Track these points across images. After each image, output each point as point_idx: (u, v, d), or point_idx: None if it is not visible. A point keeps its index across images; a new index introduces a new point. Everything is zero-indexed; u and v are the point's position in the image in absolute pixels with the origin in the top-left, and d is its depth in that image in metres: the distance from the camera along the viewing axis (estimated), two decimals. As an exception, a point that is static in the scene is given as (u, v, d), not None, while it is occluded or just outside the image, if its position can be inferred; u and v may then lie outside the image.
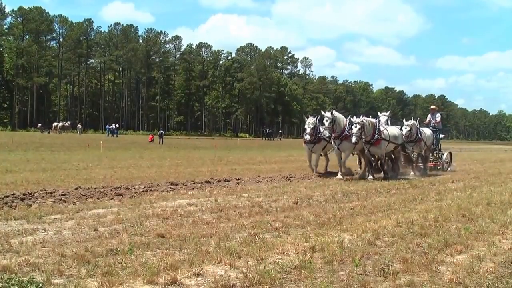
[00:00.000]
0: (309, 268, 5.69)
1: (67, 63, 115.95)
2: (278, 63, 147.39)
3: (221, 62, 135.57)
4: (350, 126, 17.00)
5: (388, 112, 20.33)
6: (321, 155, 19.28)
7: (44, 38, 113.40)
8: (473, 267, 5.94)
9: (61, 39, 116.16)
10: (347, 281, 5.34)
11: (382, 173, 18.08)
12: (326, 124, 17.02)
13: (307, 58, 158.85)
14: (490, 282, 5.47)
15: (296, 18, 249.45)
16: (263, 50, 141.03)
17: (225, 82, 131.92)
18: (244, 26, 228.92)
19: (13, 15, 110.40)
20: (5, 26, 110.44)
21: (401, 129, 19.09)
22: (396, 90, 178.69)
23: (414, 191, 13.71)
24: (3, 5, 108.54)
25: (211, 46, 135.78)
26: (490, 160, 35.17)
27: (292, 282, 5.34)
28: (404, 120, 20.00)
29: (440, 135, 23.43)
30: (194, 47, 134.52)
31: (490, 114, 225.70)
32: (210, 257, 6.04)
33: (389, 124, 19.17)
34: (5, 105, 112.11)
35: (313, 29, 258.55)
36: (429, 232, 7.84)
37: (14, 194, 10.71)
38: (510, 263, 6.27)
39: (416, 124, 19.78)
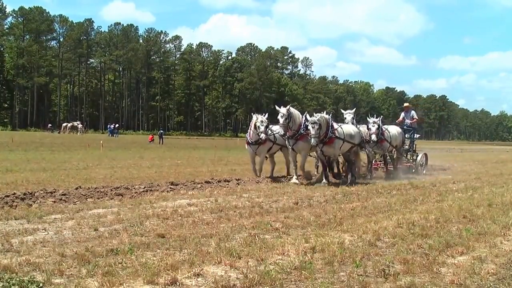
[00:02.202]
0: (310, 268, 5.67)
1: (67, 63, 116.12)
2: (278, 63, 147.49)
3: (221, 62, 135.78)
4: (305, 124, 15.38)
5: (354, 110, 18.83)
6: (266, 157, 17.35)
7: (44, 38, 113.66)
8: (475, 268, 5.92)
9: (61, 39, 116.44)
10: (348, 282, 5.32)
11: (346, 176, 16.64)
12: (281, 120, 15.09)
13: (308, 58, 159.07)
14: (491, 284, 5.45)
15: (297, 17, 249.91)
16: (263, 50, 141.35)
17: (225, 82, 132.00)
18: (245, 26, 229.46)
19: (14, 15, 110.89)
20: (5, 26, 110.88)
21: (368, 128, 17.66)
22: (396, 90, 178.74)
23: (415, 192, 13.68)
24: (4, 5, 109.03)
25: (211, 46, 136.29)
26: (491, 160, 35.16)
27: (293, 282, 5.33)
28: (368, 118, 18.24)
29: (415, 135, 22.03)
30: (194, 47, 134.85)
31: (492, 114, 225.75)
32: (210, 258, 6.03)
33: (355, 122, 17.61)
34: (6, 105, 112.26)
35: (314, 29, 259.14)
36: (430, 233, 7.82)
37: (14, 193, 10.71)
38: (511, 265, 6.26)
39: (380, 123, 18.09)
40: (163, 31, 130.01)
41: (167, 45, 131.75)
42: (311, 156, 17.40)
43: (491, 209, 10.61)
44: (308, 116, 15.29)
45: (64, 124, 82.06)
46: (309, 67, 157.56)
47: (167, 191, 12.41)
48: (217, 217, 8.96)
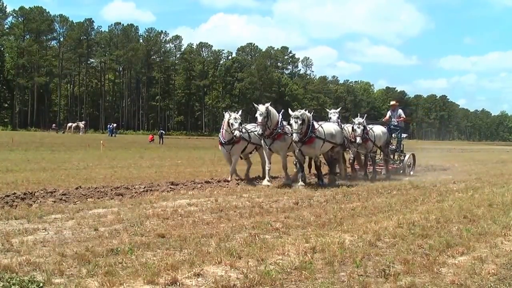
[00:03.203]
0: (310, 269, 5.68)
1: (67, 63, 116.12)
2: (278, 63, 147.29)
3: (221, 62, 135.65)
4: (281, 121, 14.80)
5: (339, 109, 18.14)
6: (240, 157, 16.46)
7: (44, 37, 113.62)
8: (475, 268, 5.92)
9: (61, 39, 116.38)
10: (348, 282, 5.32)
11: (331, 177, 16.01)
12: (260, 119, 14.11)
13: (308, 58, 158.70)
14: (492, 284, 5.45)
15: (297, 17, 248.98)
16: (263, 50, 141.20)
17: (226, 82, 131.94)
18: (245, 25, 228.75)
19: (14, 15, 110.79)
20: (6, 26, 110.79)
21: (353, 129, 17.00)
22: (397, 90, 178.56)
23: (415, 192, 13.67)
24: (4, 5, 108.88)
25: (212, 46, 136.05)
26: (492, 161, 35.14)
27: (293, 283, 5.33)
28: (354, 119, 17.47)
29: (403, 134, 21.16)
30: (195, 47, 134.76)
31: (492, 114, 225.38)
32: (211, 258, 6.03)
33: (339, 122, 17.03)
34: (6, 105, 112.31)
35: (314, 28, 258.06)
36: (431, 233, 7.82)
37: (14, 193, 10.74)
38: None
39: (364, 123, 17.43)
40: (163, 31, 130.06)
41: (167, 45, 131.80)
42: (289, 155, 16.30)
43: (491, 209, 10.62)
44: (291, 112, 14.24)
45: (69, 124, 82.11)
46: (310, 67, 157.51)
47: (167, 191, 12.42)
48: (217, 217, 8.97)
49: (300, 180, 14.67)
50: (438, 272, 5.81)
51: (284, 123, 14.96)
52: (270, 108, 14.61)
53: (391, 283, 5.36)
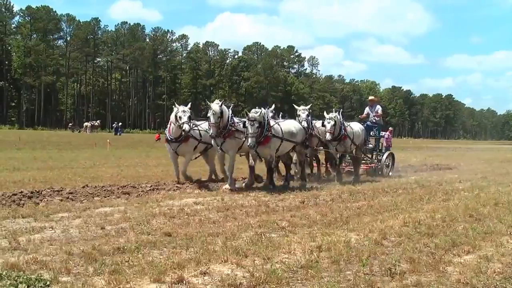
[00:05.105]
0: (316, 267, 5.69)
1: (74, 62, 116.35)
2: (284, 62, 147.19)
3: (227, 61, 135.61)
4: (232, 117, 13.40)
5: (309, 106, 16.38)
6: (196, 157, 15.21)
7: (51, 37, 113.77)
8: (481, 267, 5.91)
9: (68, 38, 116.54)
10: (354, 281, 5.33)
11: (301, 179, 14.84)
12: (213, 119, 12.81)
13: (314, 57, 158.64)
14: (498, 283, 5.45)
15: (303, 16, 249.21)
16: (270, 49, 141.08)
17: (232, 81, 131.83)
18: (252, 24, 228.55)
19: (21, 14, 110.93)
20: (13, 25, 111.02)
21: (323, 124, 15.64)
22: (403, 89, 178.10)
23: (421, 191, 13.64)
24: (11, 4, 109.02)
25: (218, 45, 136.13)
26: (497, 160, 34.96)
27: (299, 281, 5.34)
28: (325, 113, 16.03)
29: (382, 132, 19.86)
30: (201, 46, 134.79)
31: (498, 113, 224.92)
32: (217, 256, 6.05)
33: (309, 119, 15.54)
34: (13, 104, 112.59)
35: (320, 27, 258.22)
36: (436, 232, 7.81)
37: (21, 192, 10.76)
38: (518, 264, 6.25)
39: (339, 117, 15.94)
40: (170, 30, 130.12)
41: (174, 44, 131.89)
42: (241, 156, 15.14)
43: (497, 208, 10.60)
44: (248, 113, 13.11)
45: (86, 124, 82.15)
46: (316, 66, 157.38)
47: (174, 190, 12.46)
48: (223, 215, 8.99)
49: (249, 183, 13.56)
50: (444, 271, 5.82)
51: (235, 119, 13.65)
52: (223, 106, 13.23)
53: (397, 282, 5.36)
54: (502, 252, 6.76)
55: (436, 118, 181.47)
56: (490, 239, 7.55)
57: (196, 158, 15.34)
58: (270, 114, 14.47)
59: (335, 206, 10.49)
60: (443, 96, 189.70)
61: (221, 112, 12.88)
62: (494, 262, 6.29)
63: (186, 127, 12.97)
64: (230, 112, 13.45)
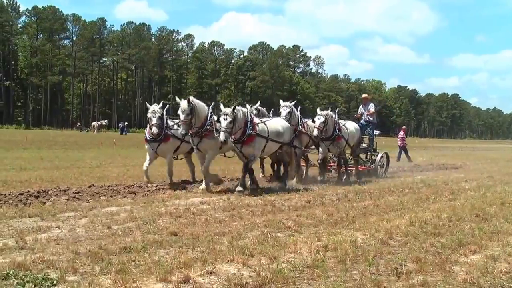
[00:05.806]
0: (322, 267, 5.68)
1: (80, 62, 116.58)
2: (290, 62, 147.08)
3: (233, 61, 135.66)
4: (211, 116, 12.73)
5: (293, 103, 15.64)
6: (175, 158, 14.52)
7: (57, 37, 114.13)
8: (487, 267, 5.89)
9: (74, 38, 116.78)
10: (360, 281, 5.32)
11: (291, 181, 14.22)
12: (182, 117, 12.12)
13: (320, 56, 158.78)
14: (504, 283, 5.43)
15: (309, 16, 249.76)
16: (275, 48, 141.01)
17: (238, 80, 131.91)
18: (257, 24, 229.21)
19: (27, 14, 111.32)
20: (19, 25, 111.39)
21: (313, 121, 15.03)
22: (408, 88, 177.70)
23: (427, 190, 13.61)
24: (18, 4, 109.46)
25: (224, 45, 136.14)
26: (504, 159, 34.86)
27: (305, 281, 5.34)
28: (318, 110, 15.53)
29: (376, 131, 19.08)
30: (207, 46, 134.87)
31: (504, 113, 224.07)
32: (223, 256, 6.05)
33: (296, 116, 15.05)
34: (19, 104, 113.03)
35: (326, 27, 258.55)
36: (443, 232, 7.80)
37: (28, 191, 10.81)
38: (525, 264, 6.22)
39: (333, 115, 15.47)
40: (176, 30, 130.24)
41: (180, 44, 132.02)
42: (225, 156, 14.70)
43: (503, 207, 10.58)
44: (222, 108, 12.42)
45: (93, 123, 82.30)
46: (321, 65, 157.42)
47: (180, 189, 12.46)
48: (229, 215, 8.99)
49: (239, 185, 12.50)
50: (451, 271, 5.80)
51: (215, 117, 12.77)
52: (197, 102, 12.61)
53: (404, 282, 5.35)
54: (508, 251, 6.73)
55: (442, 117, 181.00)
56: (496, 238, 7.54)
57: (181, 158, 15.02)
58: (254, 112, 13.97)
59: (341, 205, 10.48)
60: (449, 96, 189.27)
61: (192, 109, 12.16)
62: (501, 261, 6.27)
63: (154, 130, 12.74)
64: (210, 110, 12.85)
